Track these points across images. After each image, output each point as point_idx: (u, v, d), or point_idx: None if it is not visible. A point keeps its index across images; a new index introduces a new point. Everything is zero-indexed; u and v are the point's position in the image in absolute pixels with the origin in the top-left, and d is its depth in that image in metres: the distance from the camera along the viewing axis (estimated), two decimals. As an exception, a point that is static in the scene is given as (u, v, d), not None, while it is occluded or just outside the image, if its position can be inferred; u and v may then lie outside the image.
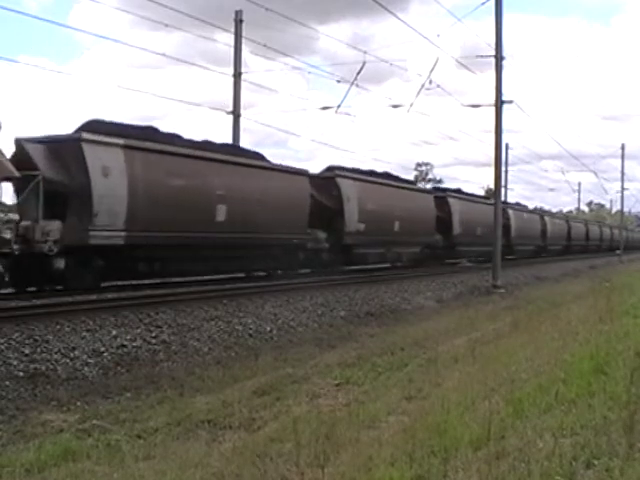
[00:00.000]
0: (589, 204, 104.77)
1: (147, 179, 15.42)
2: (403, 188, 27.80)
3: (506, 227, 34.96)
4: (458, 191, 34.89)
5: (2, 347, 9.64)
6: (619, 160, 62.70)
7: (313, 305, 16.33)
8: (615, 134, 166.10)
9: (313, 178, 22.39)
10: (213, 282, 17.80)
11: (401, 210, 25.85)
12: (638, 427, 4.36)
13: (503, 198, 37.54)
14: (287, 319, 14.69)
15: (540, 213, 48.34)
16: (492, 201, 37.25)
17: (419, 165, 74.68)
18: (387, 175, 28.10)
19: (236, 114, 24.16)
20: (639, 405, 4.66)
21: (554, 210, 69.20)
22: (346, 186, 23.16)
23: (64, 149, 14.35)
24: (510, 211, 38.90)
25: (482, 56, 24.49)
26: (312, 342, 12.79)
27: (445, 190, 34.50)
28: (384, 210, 24.75)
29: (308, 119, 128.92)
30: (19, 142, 14.21)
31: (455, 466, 4.23)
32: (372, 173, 26.83)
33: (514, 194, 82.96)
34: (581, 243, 56.74)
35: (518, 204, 45.99)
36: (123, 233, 14.86)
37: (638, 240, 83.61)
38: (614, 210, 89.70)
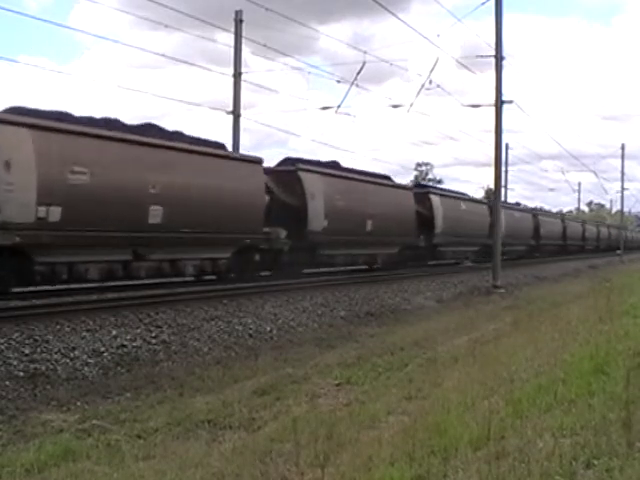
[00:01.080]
0: (589, 204, 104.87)
1: None
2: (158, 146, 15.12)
3: (427, 220, 27.79)
4: (329, 165, 22.54)
5: (2, 347, 9.64)
6: (619, 160, 62.75)
7: (313, 305, 16.33)
8: (615, 134, 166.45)
9: None
10: (213, 282, 17.79)
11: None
12: (637, 427, 4.36)
13: (503, 198, 36.69)
14: (287, 319, 14.69)
15: (486, 202, 36.23)
16: (393, 182, 27.60)
17: (419, 165, 74.61)
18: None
19: (236, 114, 24.16)
20: (638, 405, 4.66)
21: (554, 210, 67.62)
22: None
23: None
24: (435, 198, 29.00)
25: (482, 56, 24.48)
26: (312, 342, 12.78)
27: (298, 161, 21.18)
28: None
29: (308, 119, 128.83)
30: None
31: (455, 466, 4.23)
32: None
33: (514, 194, 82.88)
34: (556, 243, 47.40)
35: (450, 190, 34.03)
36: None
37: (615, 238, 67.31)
38: (614, 210, 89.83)
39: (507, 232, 34.32)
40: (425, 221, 27.65)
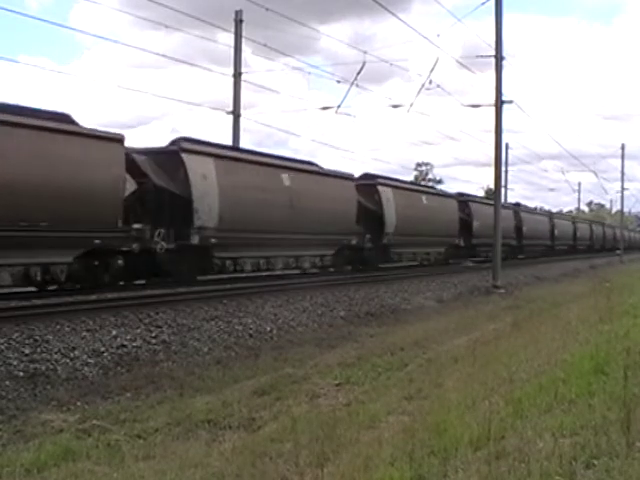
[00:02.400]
0: (589, 204, 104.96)
1: None
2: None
3: (181, 204, 16.11)
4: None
5: (2, 347, 9.64)
6: (619, 160, 62.72)
7: (313, 305, 16.32)
8: (615, 134, 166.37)
9: None
10: (213, 282, 17.80)
11: None
12: (637, 426, 4.36)
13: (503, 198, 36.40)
14: (287, 319, 14.69)
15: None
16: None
17: (419, 165, 74.70)
18: None
19: (236, 114, 24.17)
20: (637, 404, 4.66)
21: (554, 210, 66.70)
22: None
23: None
24: (195, 161, 16.59)
25: (482, 56, 24.51)
26: (312, 342, 12.78)
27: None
28: None
29: (308, 119, 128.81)
30: None
31: (455, 466, 4.23)
32: None
33: (514, 194, 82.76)
34: (508, 243, 33.75)
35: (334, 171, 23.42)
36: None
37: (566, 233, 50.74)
38: (614, 210, 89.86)
39: (398, 229, 25.12)
40: (179, 206, 16.19)
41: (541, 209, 56.90)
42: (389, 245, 25.25)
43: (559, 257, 44.75)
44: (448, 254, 31.06)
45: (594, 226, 62.43)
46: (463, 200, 33.29)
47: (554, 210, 63.80)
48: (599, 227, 65.12)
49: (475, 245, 32.69)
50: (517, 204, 43.97)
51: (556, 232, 45.92)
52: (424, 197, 28.67)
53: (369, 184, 24.87)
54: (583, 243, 54.53)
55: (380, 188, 25.18)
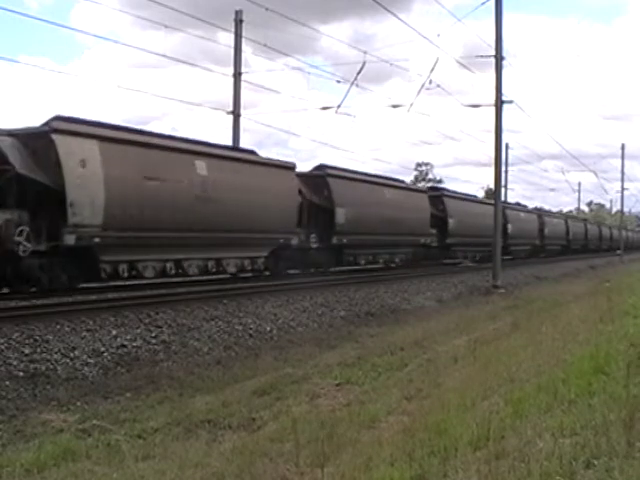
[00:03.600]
0: (589, 204, 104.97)
1: None
2: None
3: None
4: None
5: (2, 347, 9.64)
6: (619, 160, 62.63)
7: (313, 305, 16.32)
8: (616, 134, 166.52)
9: None
10: (213, 282, 17.79)
11: None
12: (637, 426, 4.35)
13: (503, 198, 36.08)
14: (287, 319, 14.69)
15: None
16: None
17: (419, 165, 74.80)
18: None
19: (236, 114, 24.17)
20: (638, 403, 4.65)
21: (554, 210, 66.27)
22: None
23: None
24: None
25: (482, 56, 24.49)
26: (312, 342, 12.78)
27: None
28: None
29: (308, 119, 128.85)
30: None
31: (455, 466, 4.22)
32: None
33: (514, 194, 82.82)
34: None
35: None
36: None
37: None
38: (614, 210, 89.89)
39: (351, 227, 22.23)
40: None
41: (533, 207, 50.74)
42: (341, 246, 22.13)
43: (555, 258, 43.49)
44: (417, 255, 27.96)
45: (589, 225, 60.12)
46: (436, 195, 30.13)
47: (554, 210, 63.44)
48: (579, 224, 58.70)
49: (450, 245, 30.11)
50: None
51: (512, 229, 37.68)
52: (386, 190, 25.22)
53: (317, 175, 21.80)
54: (578, 243, 52.68)
55: (330, 180, 21.72)
